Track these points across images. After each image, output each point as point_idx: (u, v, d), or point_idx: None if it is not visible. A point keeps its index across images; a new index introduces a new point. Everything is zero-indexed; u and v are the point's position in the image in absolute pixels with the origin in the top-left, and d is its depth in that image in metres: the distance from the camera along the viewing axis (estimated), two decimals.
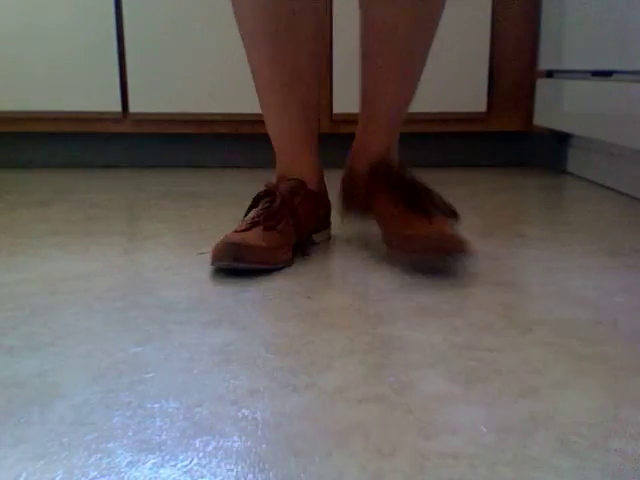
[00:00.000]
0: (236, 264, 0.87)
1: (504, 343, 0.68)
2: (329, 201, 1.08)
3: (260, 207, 0.96)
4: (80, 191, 1.50)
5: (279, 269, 0.91)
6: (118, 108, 1.73)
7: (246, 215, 0.98)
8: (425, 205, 0.93)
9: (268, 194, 0.98)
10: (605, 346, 0.67)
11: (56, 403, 0.56)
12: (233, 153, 1.82)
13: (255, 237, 0.90)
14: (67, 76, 1.72)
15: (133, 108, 1.74)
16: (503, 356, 0.65)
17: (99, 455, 0.49)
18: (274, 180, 1.02)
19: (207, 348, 0.67)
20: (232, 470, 0.47)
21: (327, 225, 1.08)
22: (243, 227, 0.93)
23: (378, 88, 1.00)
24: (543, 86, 1.72)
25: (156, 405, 0.56)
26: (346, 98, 1.71)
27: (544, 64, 1.71)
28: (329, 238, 1.09)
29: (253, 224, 0.92)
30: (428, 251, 0.86)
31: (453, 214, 0.94)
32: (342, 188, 1.07)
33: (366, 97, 1.03)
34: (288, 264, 0.93)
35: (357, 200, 1.04)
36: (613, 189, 1.50)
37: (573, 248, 1.03)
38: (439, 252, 0.86)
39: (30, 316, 0.75)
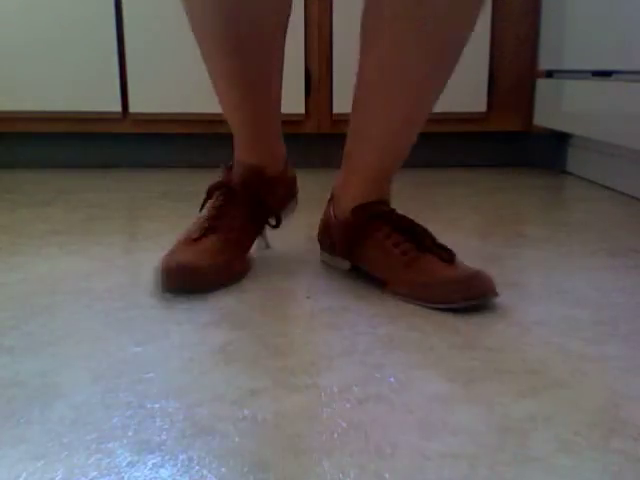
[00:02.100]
0: (187, 292, 0.81)
1: (504, 343, 0.68)
2: (292, 179, 1.01)
3: (214, 202, 0.90)
4: (80, 191, 1.50)
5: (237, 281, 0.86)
6: (118, 108, 1.73)
7: (202, 208, 0.92)
8: (434, 247, 0.81)
9: (221, 186, 0.91)
10: (605, 346, 0.67)
11: (56, 403, 0.56)
12: (233, 153, 1.82)
13: (208, 252, 0.84)
14: (67, 76, 1.72)
15: (133, 108, 1.73)
16: (503, 356, 0.65)
17: (99, 455, 0.49)
18: (232, 164, 0.95)
19: (207, 348, 0.67)
20: (232, 470, 0.47)
21: (291, 205, 1.02)
22: (197, 234, 0.85)
23: (372, 131, 0.86)
24: (543, 86, 1.72)
25: (156, 405, 0.56)
26: (346, 98, 1.70)
27: (544, 64, 1.71)
28: (292, 211, 1.03)
29: (207, 230, 0.86)
30: (467, 299, 0.75)
31: (451, 253, 0.81)
32: (319, 234, 0.95)
33: (356, 140, 0.89)
34: (244, 274, 0.89)
35: (333, 247, 0.91)
36: (613, 189, 1.50)
37: (573, 248, 1.03)
38: (476, 297, 0.76)
39: (30, 316, 0.75)
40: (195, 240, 0.85)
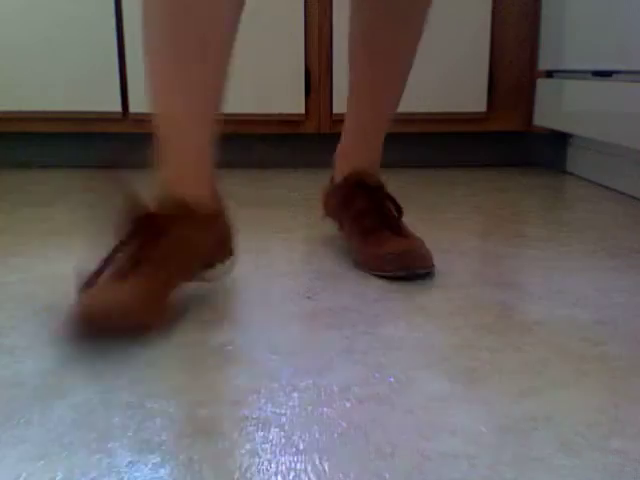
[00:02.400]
0: (95, 340, 0.68)
1: (504, 343, 0.68)
2: (227, 227, 0.85)
3: (131, 242, 0.73)
4: (80, 191, 1.50)
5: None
6: (118, 108, 1.73)
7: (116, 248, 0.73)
8: (396, 222, 0.92)
9: (138, 223, 0.74)
10: (605, 346, 0.67)
11: (56, 403, 0.56)
12: (232, 153, 1.82)
13: (123, 297, 0.67)
14: (67, 76, 1.72)
15: (133, 108, 1.73)
16: (503, 356, 0.65)
17: (99, 455, 0.49)
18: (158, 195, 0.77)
19: (207, 348, 0.67)
20: (232, 470, 0.47)
21: (226, 256, 0.85)
22: (113, 274, 0.71)
23: (360, 97, 0.99)
24: (543, 86, 1.72)
25: (156, 405, 0.56)
26: (346, 98, 1.71)
27: (544, 64, 1.72)
28: (229, 272, 0.88)
29: (123, 272, 0.71)
30: (396, 270, 0.87)
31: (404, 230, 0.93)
32: (323, 194, 1.05)
33: (350, 107, 1.02)
34: (155, 326, 0.71)
35: (332, 209, 1.02)
36: (613, 189, 1.50)
37: (573, 248, 1.03)
38: (407, 270, 0.86)
39: (30, 316, 0.75)
40: (111, 282, 0.70)
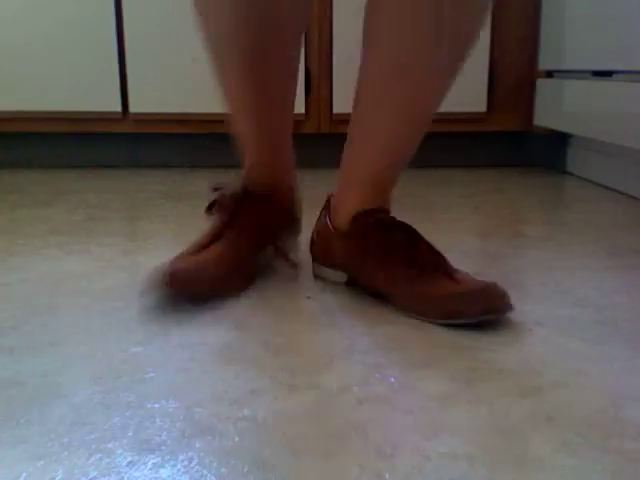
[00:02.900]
0: (180, 299, 0.78)
1: (504, 343, 0.68)
2: (298, 207, 0.97)
3: (219, 217, 0.87)
4: (80, 191, 1.50)
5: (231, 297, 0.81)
6: (118, 108, 1.73)
7: (209, 211, 0.89)
8: (445, 261, 0.77)
9: (226, 202, 0.87)
10: (605, 346, 0.67)
11: (56, 403, 0.56)
12: (233, 153, 1.82)
13: (207, 260, 0.81)
14: (67, 76, 1.72)
15: (133, 108, 1.73)
16: (503, 356, 0.65)
17: (99, 455, 0.49)
18: (243, 181, 0.90)
19: (207, 348, 0.67)
20: (232, 470, 0.47)
21: (294, 232, 0.96)
22: (201, 242, 0.84)
23: (372, 135, 0.83)
24: (543, 86, 1.72)
25: (156, 405, 0.56)
26: (346, 98, 1.70)
27: (544, 64, 1.72)
28: (295, 249, 0.95)
29: (212, 240, 0.84)
30: (481, 314, 0.71)
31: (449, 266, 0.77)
32: (312, 246, 0.90)
33: (356, 145, 0.86)
34: (243, 289, 0.84)
35: (331, 258, 0.86)
36: (613, 189, 1.50)
37: (573, 248, 1.03)
38: (494, 312, 0.72)
39: (30, 316, 0.75)
40: (199, 250, 0.82)
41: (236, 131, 0.91)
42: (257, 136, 0.91)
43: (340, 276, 0.85)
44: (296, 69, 0.92)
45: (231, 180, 0.91)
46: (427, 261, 0.76)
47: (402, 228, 0.79)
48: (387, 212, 0.82)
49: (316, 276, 0.89)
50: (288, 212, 0.95)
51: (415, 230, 0.79)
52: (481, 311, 0.70)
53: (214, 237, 0.84)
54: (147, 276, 0.79)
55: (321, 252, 0.88)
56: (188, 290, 0.78)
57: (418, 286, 0.75)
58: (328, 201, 0.88)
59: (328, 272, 0.87)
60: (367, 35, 0.80)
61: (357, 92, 0.83)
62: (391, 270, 0.77)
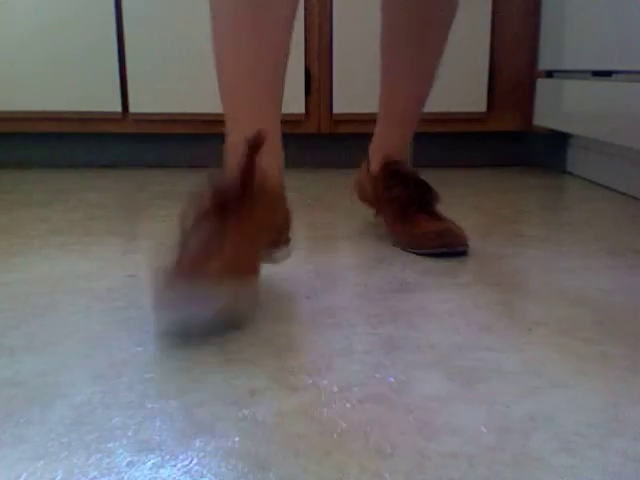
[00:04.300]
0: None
1: (504, 343, 0.68)
2: (288, 211, 0.90)
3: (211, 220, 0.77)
4: (80, 191, 1.50)
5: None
6: (118, 108, 1.73)
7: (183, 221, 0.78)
8: (432, 207, 1.03)
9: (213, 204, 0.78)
10: (605, 346, 0.67)
11: (56, 403, 0.56)
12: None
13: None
14: (67, 76, 1.72)
15: (133, 108, 1.74)
16: (503, 356, 0.65)
17: (99, 455, 0.49)
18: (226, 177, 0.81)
19: (207, 348, 0.67)
20: (232, 470, 0.47)
21: (287, 239, 0.90)
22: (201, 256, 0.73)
23: (393, 86, 1.08)
24: (543, 86, 1.72)
25: (156, 405, 0.56)
26: (346, 98, 1.71)
27: (544, 64, 1.72)
28: (287, 256, 0.90)
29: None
30: (437, 247, 0.97)
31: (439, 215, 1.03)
32: (356, 181, 1.17)
33: (383, 96, 1.10)
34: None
35: (367, 194, 1.13)
36: (613, 189, 1.50)
37: (573, 248, 1.03)
38: (447, 247, 0.97)
39: (30, 316, 0.75)
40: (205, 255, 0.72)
41: (228, 123, 0.86)
42: (243, 98, 0.85)
43: (371, 210, 1.14)
44: (291, 29, 0.87)
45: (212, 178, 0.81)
46: (417, 206, 1.02)
47: (411, 178, 1.04)
48: (405, 165, 1.08)
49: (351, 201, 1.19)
50: (278, 210, 0.87)
51: (421, 182, 1.04)
52: (436, 246, 0.97)
53: (217, 240, 0.74)
54: (150, 283, 0.72)
55: (358, 189, 1.17)
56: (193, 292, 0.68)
57: (404, 224, 1.02)
58: (367, 154, 1.15)
59: (364, 205, 1.17)
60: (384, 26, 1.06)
61: (383, 54, 1.08)
62: (393, 210, 1.04)
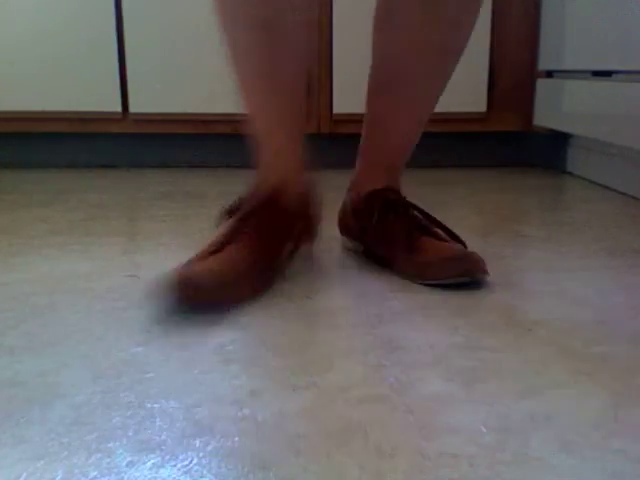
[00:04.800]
0: (187, 308, 0.75)
1: (504, 343, 0.68)
2: (314, 208, 0.93)
3: (230, 222, 0.85)
4: (80, 191, 1.50)
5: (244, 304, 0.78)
6: (118, 108, 1.73)
7: (219, 224, 0.86)
8: (433, 229, 0.91)
9: (238, 208, 0.86)
10: (605, 346, 0.67)
11: (56, 403, 0.56)
12: (233, 153, 1.82)
13: (215, 267, 0.77)
14: (67, 76, 1.72)
15: (133, 108, 1.74)
16: (503, 356, 0.65)
17: (99, 455, 0.49)
18: (255, 183, 0.89)
19: (207, 348, 0.67)
20: (232, 470, 0.47)
21: (311, 239, 0.94)
22: (211, 248, 0.81)
23: (385, 124, 0.96)
24: (543, 86, 1.72)
25: (156, 405, 0.56)
26: (346, 98, 1.71)
27: (544, 64, 1.72)
28: (310, 255, 0.95)
29: (220, 247, 0.81)
30: (458, 276, 0.82)
31: (459, 239, 0.91)
32: (338, 220, 1.03)
33: (371, 132, 0.97)
34: (252, 296, 0.80)
35: (351, 229, 0.99)
36: (613, 189, 1.50)
37: (573, 248, 1.03)
38: (469, 275, 0.83)
39: (30, 316, 0.75)
40: (207, 255, 0.80)
41: (251, 127, 0.91)
42: (268, 128, 0.90)
43: (358, 246, 0.98)
44: (308, 44, 0.90)
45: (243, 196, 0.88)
46: (419, 231, 0.89)
47: (403, 205, 0.92)
48: (396, 191, 0.95)
49: (343, 246, 1.03)
50: (301, 213, 0.90)
51: (414, 206, 0.93)
52: (456, 275, 0.82)
53: (225, 241, 0.81)
54: (155, 282, 0.77)
55: (342, 225, 1.02)
56: (198, 298, 0.74)
57: (408, 254, 0.87)
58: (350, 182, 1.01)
59: (349, 243, 1.01)
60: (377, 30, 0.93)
61: (370, 83, 0.96)
62: (389, 241, 0.90)
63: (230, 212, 0.86)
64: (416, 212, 0.93)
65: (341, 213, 1.02)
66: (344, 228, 1.01)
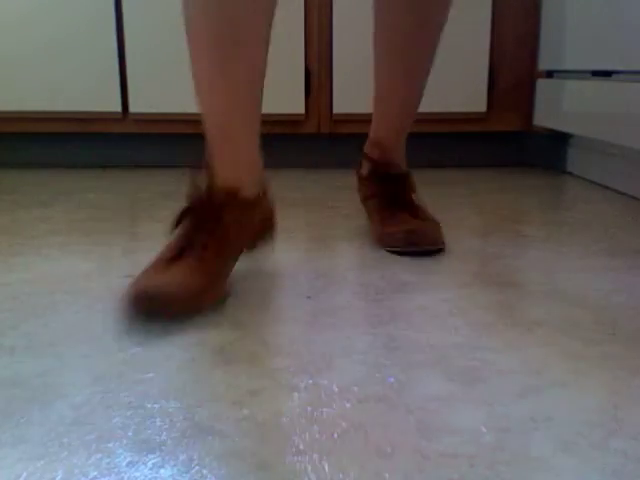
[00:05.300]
0: (152, 320, 0.73)
1: (504, 343, 0.68)
2: (270, 206, 0.93)
3: (185, 226, 0.81)
4: (80, 191, 1.50)
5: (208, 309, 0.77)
6: (118, 108, 1.73)
7: (173, 229, 0.82)
8: (413, 206, 1.03)
9: (191, 211, 0.81)
10: (605, 346, 0.67)
11: (56, 403, 0.56)
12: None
13: (179, 277, 0.74)
14: (67, 76, 1.72)
15: (133, 108, 1.73)
16: (503, 356, 0.65)
17: (99, 455, 0.49)
18: (204, 183, 0.85)
19: (207, 348, 0.67)
20: (232, 470, 0.47)
21: (268, 233, 0.93)
22: (168, 255, 0.77)
23: (388, 87, 1.07)
24: (543, 86, 1.72)
25: (156, 405, 0.56)
26: (346, 98, 1.71)
27: (544, 64, 1.71)
28: (271, 249, 0.96)
29: (177, 255, 0.77)
30: (405, 246, 0.98)
31: (421, 211, 1.04)
32: (357, 179, 1.16)
33: (378, 96, 1.09)
34: (217, 300, 0.79)
35: (361, 199, 1.13)
36: (613, 189, 1.50)
37: (573, 248, 1.03)
38: (415, 246, 0.97)
39: (30, 316, 0.75)
40: (166, 264, 0.76)
41: (205, 124, 0.88)
42: (222, 125, 0.87)
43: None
44: (267, 40, 0.86)
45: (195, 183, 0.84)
46: (399, 205, 1.03)
47: (395, 180, 1.06)
48: (398, 166, 1.08)
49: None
50: (258, 213, 0.89)
51: (405, 183, 1.06)
52: (404, 245, 0.98)
53: (183, 247, 0.78)
54: (121, 294, 0.75)
55: (358, 188, 1.14)
56: (169, 312, 0.72)
57: (381, 223, 1.03)
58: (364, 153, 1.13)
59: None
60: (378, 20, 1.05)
61: (376, 60, 1.08)
62: (375, 210, 1.06)
63: (183, 215, 0.82)
64: (408, 188, 1.06)
65: (357, 179, 1.15)
66: (359, 194, 1.15)
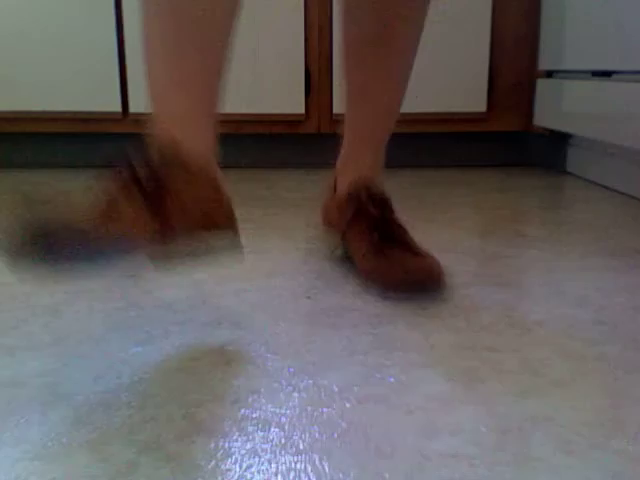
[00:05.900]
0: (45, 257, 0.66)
1: (504, 343, 0.68)
2: (224, 192, 0.84)
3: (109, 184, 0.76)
4: (80, 191, 1.50)
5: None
6: (118, 108, 1.73)
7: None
8: (402, 238, 0.88)
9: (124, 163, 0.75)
10: (605, 346, 0.67)
11: (56, 403, 0.56)
12: (232, 153, 1.82)
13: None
14: (67, 76, 1.72)
15: (133, 108, 1.73)
16: (503, 356, 0.65)
17: (99, 455, 0.49)
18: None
19: (207, 348, 0.67)
20: (232, 470, 0.47)
21: (227, 224, 0.81)
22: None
23: (359, 96, 0.95)
24: (543, 86, 1.72)
25: (156, 405, 0.56)
26: None
27: (544, 64, 1.72)
28: (237, 248, 0.79)
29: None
30: (406, 287, 0.82)
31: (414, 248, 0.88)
32: (322, 208, 1.01)
33: (348, 110, 0.97)
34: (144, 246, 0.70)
35: (333, 219, 0.97)
36: (613, 189, 1.50)
37: (573, 248, 1.03)
38: (415, 286, 0.82)
39: (30, 316, 0.75)
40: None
41: (158, 128, 0.78)
42: (179, 114, 0.78)
43: (334, 238, 0.97)
44: (227, 43, 0.79)
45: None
46: (391, 237, 0.87)
47: (384, 203, 0.91)
48: (377, 187, 0.93)
49: (313, 237, 1.04)
50: (208, 193, 0.81)
51: (389, 209, 0.91)
52: (409, 290, 0.82)
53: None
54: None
55: (324, 213, 1.00)
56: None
57: (373, 260, 0.86)
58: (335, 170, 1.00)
59: (326, 232, 1.00)
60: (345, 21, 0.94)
61: (345, 62, 0.95)
62: (362, 240, 0.89)
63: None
64: (395, 215, 0.91)
65: (325, 200, 1.00)
66: (325, 216, 1.00)
